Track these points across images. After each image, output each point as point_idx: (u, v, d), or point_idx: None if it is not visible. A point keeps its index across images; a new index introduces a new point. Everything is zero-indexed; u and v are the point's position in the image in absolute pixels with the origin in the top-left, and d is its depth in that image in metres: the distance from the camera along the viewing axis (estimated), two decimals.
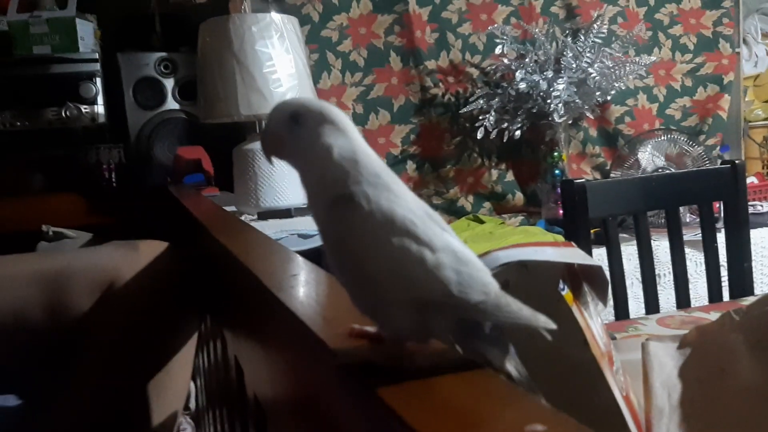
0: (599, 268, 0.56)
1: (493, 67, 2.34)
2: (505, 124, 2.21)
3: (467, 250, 0.36)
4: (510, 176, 2.42)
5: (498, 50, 2.27)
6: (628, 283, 1.36)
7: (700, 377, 0.53)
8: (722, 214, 1.44)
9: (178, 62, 2.44)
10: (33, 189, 2.37)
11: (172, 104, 2.46)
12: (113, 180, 2.45)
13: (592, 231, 1.39)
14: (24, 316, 0.97)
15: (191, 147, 2.14)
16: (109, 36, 2.52)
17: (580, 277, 0.55)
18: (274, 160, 0.40)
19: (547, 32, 2.33)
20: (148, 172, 2.42)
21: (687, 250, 1.40)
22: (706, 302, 1.40)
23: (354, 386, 0.33)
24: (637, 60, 2.26)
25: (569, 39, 2.30)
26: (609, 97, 2.34)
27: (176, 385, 1.15)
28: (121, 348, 1.02)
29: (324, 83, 2.25)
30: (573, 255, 0.54)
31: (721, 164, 1.45)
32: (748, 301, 1.12)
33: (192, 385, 1.40)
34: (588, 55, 2.20)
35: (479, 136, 2.23)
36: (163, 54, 2.44)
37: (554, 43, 2.29)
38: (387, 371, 0.32)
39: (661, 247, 1.70)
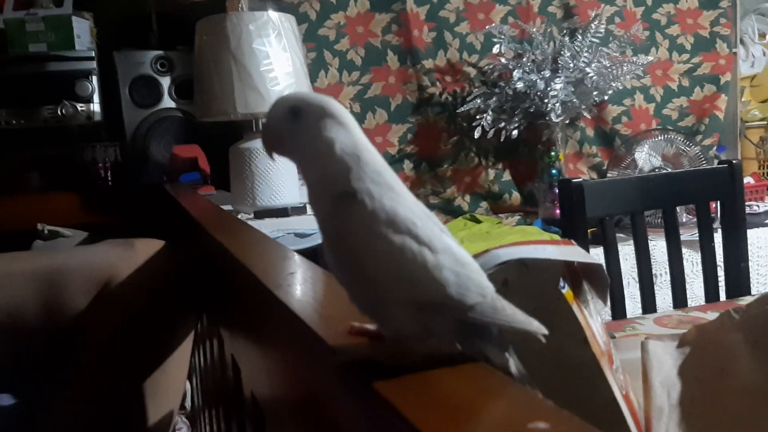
0: (599, 267, 0.56)
1: (491, 67, 2.34)
2: (503, 124, 2.21)
3: (465, 252, 0.36)
4: (507, 176, 2.42)
5: (495, 49, 2.27)
6: (624, 282, 1.36)
7: (700, 376, 0.53)
8: (719, 214, 1.45)
9: (174, 60, 2.43)
10: (28, 188, 2.36)
11: (168, 102, 2.45)
12: (109, 179, 2.44)
13: (589, 231, 1.39)
14: (19, 314, 0.97)
15: (187, 145, 2.13)
16: (105, 34, 2.51)
17: (580, 276, 0.55)
18: (274, 157, 0.39)
19: (544, 32, 2.33)
20: (144, 171, 2.41)
21: (684, 249, 1.40)
22: (702, 302, 1.41)
23: (352, 382, 0.33)
24: (635, 60, 2.26)
25: (567, 38, 2.30)
26: (606, 97, 2.34)
27: (172, 384, 1.14)
28: (117, 346, 1.02)
29: (321, 82, 2.25)
30: (573, 253, 0.53)
31: (718, 164, 1.45)
32: (745, 301, 1.12)
33: (188, 384, 1.40)
34: (585, 54, 2.20)
35: (476, 135, 2.23)
36: (160, 52, 2.43)
37: (552, 43, 2.29)
38: (387, 368, 0.31)
39: (657, 246, 1.71)
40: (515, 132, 2.21)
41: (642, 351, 0.55)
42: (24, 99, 2.37)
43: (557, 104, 2.14)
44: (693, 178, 1.48)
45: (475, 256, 0.50)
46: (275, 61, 1.60)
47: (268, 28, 1.62)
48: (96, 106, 2.41)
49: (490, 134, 2.23)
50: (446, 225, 0.63)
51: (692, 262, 1.73)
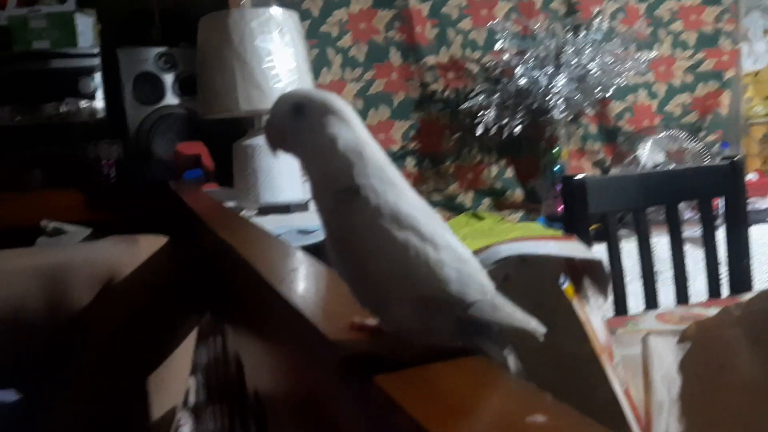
0: (600, 262, 0.56)
1: (493, 63, 2.33)
2: (505, 120, 2.21)
3: (466, 249, 0.36)
4: (510, 172, 2.42)
5: (498, 46, 2.27)
6: (627, 279, 1.36)
7: (700, 372, 0.53)
8: (722, 211, 1.44)
9: (177, 57, 2.43)
10: (32, 184, 2.37)
11: (171, 99, 2.45)
12: (112, 175, 2.44)
13: (591, 227, 1.39)
14: (23, 310, 0.97)
15: (191, 142, 2.14)
16: (108, 31, 2.51)
17: (580, 271, 0.55)
18: (277, 154, 0.40)
19: (547, 28, 2.32)
20: (147, 168, 2.42)
21: (686, 246, 1.40)
22: (705, 299, 1.40)
23: (353, 377, 0.33)
24: (637, 56, 2.26)
25: (569, 35, 2.30)
26: (609, 94, 2.33)
27: (175, 380, 1.15)
28: (121, 342, 1.02)
29: (323, 79, 2.25)
30: (574, 249, 0.54)
31: (720, 161, 1.45)
32: (748, 297, 1.12)
33: (192, 380, 1.40)
34: (588, 51, 2.20)
35: (479, 132, 2.23)
36: (163, 49, 2.44)
37: (554, 39, 2.29)
38: (387, 363, 0.32)
39: (660, 243, 1.70)
40: (518, 129, 2.21)
41: (642, 346, 0.55)
42: (27, 96, 2.37)
43: (560, 101, 2.14)
44: (696, 174, 1.48)
45: (476, 252, 0.51)
46: (278, 58, 1.60)
47: (271, 25, 1.62)
48: (99, 103, 2.42)
49: (493, 131, 2.23)
50: (449, 222, 0.64)
51: (695, 258, 1.72)
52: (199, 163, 2.01)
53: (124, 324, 1.02)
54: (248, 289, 0.62)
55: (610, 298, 1.30)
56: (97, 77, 2.40)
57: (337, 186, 0.36)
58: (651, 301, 1.34)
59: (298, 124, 0.37)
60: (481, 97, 2.23)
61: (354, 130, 0.37)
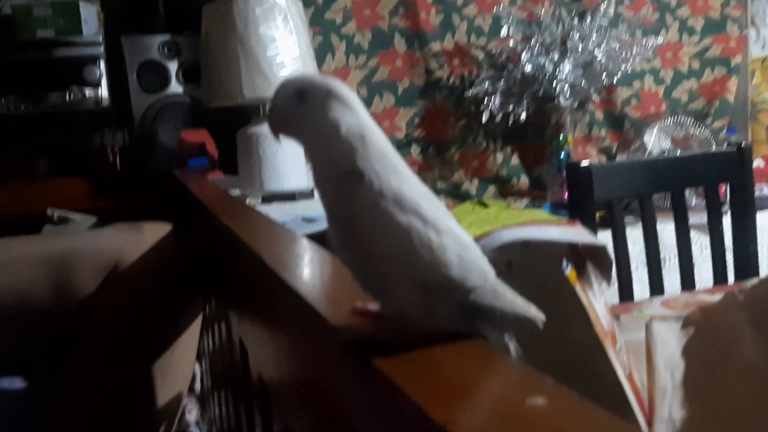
0: (603, 247, 0.56)
1: (499, 50, 2.32)
2: (511, 107, 2.20)
3: (467, 236, 0.36)
4: (515, 160, 2.41)
5: (503, 32, 2.26)
6: (633, 266, 1.36)
7: (703, 357, 0.53)
8: (728, 198, 1.44)
9: (181, 45, 2.43)
10: (38, 173, 2.38)
11: (175, 87, 2.45)
12: (117, 163, 2.45)
13: (597, 214, 1.39)
14: (30, 297, 0.98)
15: (195, 130, 2.14)
16: (112, 19, 2.51)
17: (584, 257, 0.55)
18: (281, 140, 0.40)
19: (553, 14, 2.31)
20: (152, 156, 2.42)
21: (692, 233, 1.40)
22: (710, 286, 1.40)
23: (354, 360, 0.33)
24: (644, 42, 2.24)
25: (575, 21, 2.28)
26: (615, 80, 2.32)
27: (181, 367, 1.15)
28: (126, 330, 1.03)
29: (328, 66, 2.24)
30: (577, 234, 0.54)
31: (727, 147, 1.44)
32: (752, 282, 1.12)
33: (197, 366, 1.41)
34: (594, 37, 2.18)
35: (484, 119, 2.22)
36: (167, 37, 2.43)
37: (560, 25, 2.27)
38: (388, 347, 0.32)
39: (666, 230, 1.70)
40: (523, 115, 2.20)
41: (646, 332, 0.55)
42: (32, 85, 2.37)
43: (566, 87, 2.13)
44: (702, 161, 1.47)
45: (478, 238, 0.51)
46: (282, 45, 1.60)
47: (275, 12, 1.61)
48: (104, 91, 2.42)
49: (498, 118, 2.23)
50: (454, 210, 0.64)
51: (701, 245, 1.71)
52: (203, 151, 2.01)
53: (129, 311, 1.03)
54: (252, 276, 0.62)
55: (615, 284, 1.30)
56: (102, 65, 2.40)
57: (339, 170, 0.36)
58: (656, 287, 1.34)
59: (301, 110, 0.37)
60: (486, 84, 2.22)
61: (357, 116, 0.37)
